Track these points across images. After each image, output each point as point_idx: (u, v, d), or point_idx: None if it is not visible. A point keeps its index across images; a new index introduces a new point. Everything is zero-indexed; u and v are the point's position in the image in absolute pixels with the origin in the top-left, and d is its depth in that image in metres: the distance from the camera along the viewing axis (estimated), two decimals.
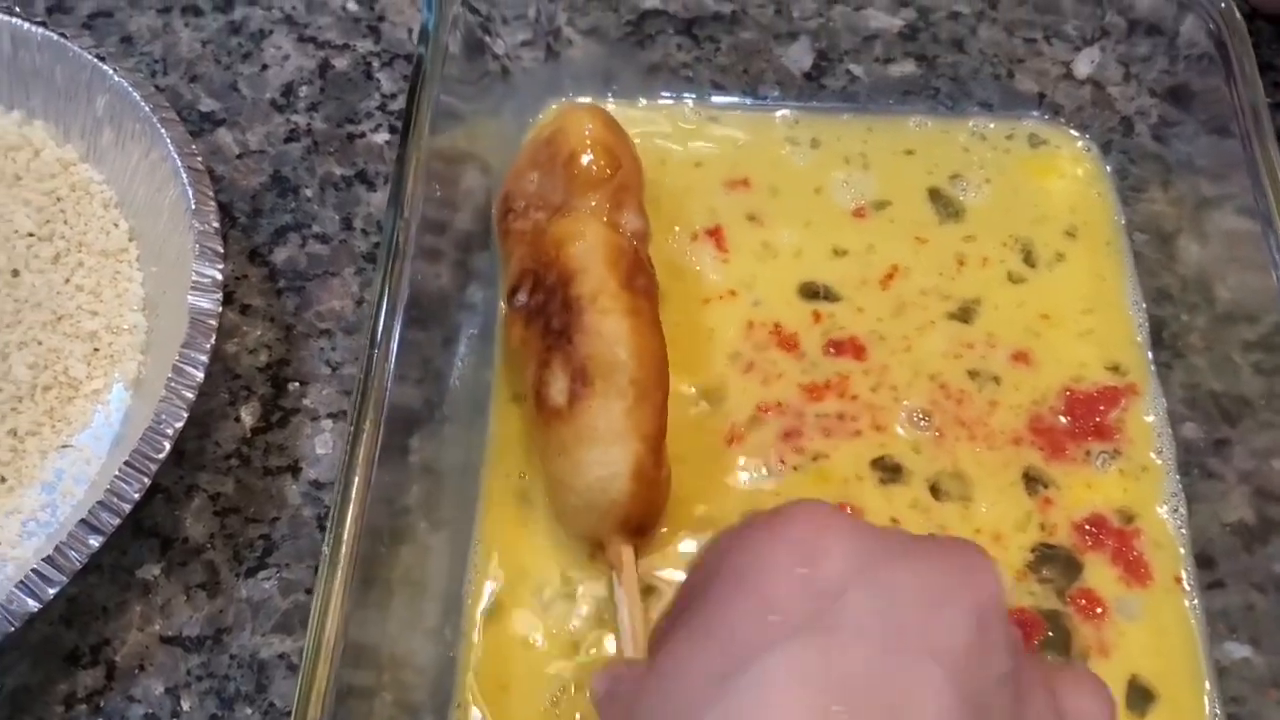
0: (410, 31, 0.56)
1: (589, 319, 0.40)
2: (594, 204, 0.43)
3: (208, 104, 0.53)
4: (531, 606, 0.41)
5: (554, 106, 0.52)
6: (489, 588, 0.42)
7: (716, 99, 0.53)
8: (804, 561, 0.26)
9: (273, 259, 0.49)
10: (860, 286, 0.48)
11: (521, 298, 0.43)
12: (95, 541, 0.39)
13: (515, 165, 0.46)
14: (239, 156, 0.52)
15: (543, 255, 0.43)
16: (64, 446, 0.44)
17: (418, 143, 0.42)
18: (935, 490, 0.44)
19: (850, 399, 0.45)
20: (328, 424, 0.46)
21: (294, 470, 0.45)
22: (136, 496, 0.40)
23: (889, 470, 0.44)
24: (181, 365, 0.41)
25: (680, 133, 0.52)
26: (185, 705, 0.41)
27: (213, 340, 0.42)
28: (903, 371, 0.46)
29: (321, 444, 0.45)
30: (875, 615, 0.24)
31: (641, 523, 0.41)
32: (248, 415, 0.46)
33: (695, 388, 0.46)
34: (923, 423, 0.45)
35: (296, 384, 0.47)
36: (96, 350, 0.46)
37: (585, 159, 0.44)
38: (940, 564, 0.26)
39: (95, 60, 0.48)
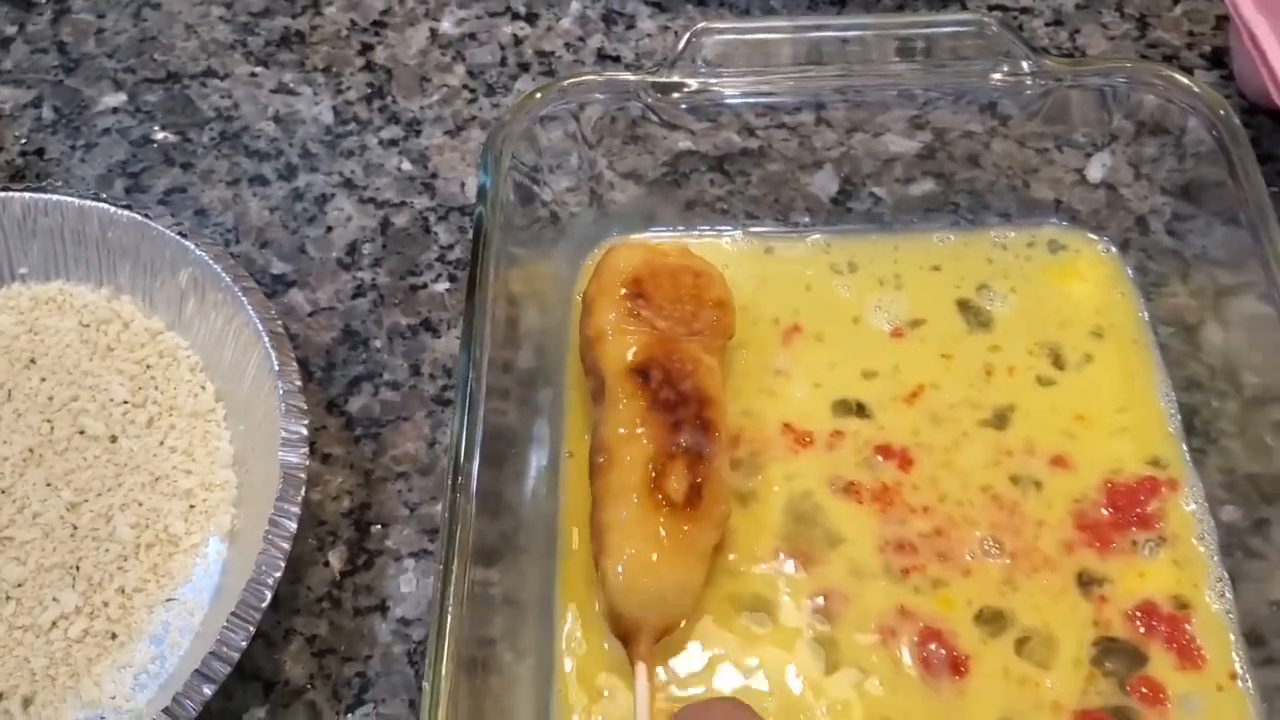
0: (463, 185, 0.60)
1: (720, 468, 0.46)
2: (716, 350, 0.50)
3: (279, 267, 0.57)
4: None
5: (611, 243, 0.56)
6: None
7: (753, 228, 0.57)
8: None
9: (348, 408, 0.53)
10: (891, 403, 0.51)
11: (646, 380, 0.47)
12: (209, 690, 0.42)
13: (654, 259, 0.50)
14: (311, 314, 0.56)
15: (679, 365, 0.47)
16: (168, 600, 0.47)
17: (484, 296, 0.46)
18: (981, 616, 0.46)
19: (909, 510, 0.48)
20: (410, 563, 0.49)
21: (382, 609, 0.48)
22: (244, 644, 0.42)
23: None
24: (276, 518, 0.45)
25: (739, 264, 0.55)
26: None
27: (303, 492, 0.45)
28: (951, 484, 0.49)
29: (406, 583, 0.48)
30: None
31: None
32: (335, 559, 0.49)
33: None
34: (994, 550, 0.47)
35: (379, 526, 0.50)
36: (193, 507, 0.49)
37: (725, 315, 0.50)
38: None
39: (178, 236, 0.52)
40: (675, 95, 0.53)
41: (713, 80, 0.53)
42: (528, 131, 0.52)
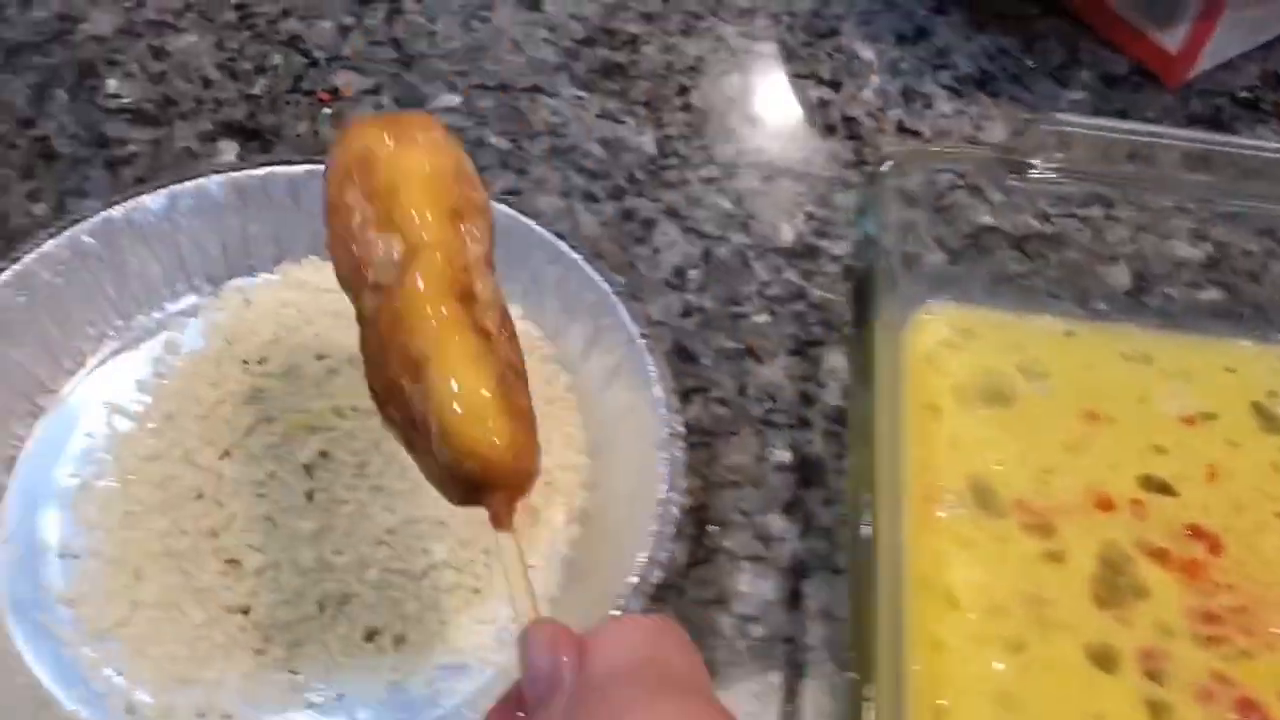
0: (775, 228, 0.64)
1: None
2: None
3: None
4: None
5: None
6: None
7: (1058, 310, 0.61)
8: None
9: (684, 416, 0.56)
10: (1188, 482, 0.55)
11: None
12: None
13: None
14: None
15: None
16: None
17: (875, 338, 0.50)
18: None
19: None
20: (746, 565, 0.52)
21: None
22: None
23: None
24: (668, 507, 0.48)
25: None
26: None
27: (685, 484, 0.49)
28: (1255, 566, 0.52)
29: (744, 583, 0.52)
30: None
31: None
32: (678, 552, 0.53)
33: None
34: None
35: (716, 527, 0.53)
36: (549, 484, 0.53)
37: None
38: None
39: (552, 236, 0.56)
40: (1017, 176, 0.58)
41: (1050, 167, 0.58)
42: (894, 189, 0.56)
